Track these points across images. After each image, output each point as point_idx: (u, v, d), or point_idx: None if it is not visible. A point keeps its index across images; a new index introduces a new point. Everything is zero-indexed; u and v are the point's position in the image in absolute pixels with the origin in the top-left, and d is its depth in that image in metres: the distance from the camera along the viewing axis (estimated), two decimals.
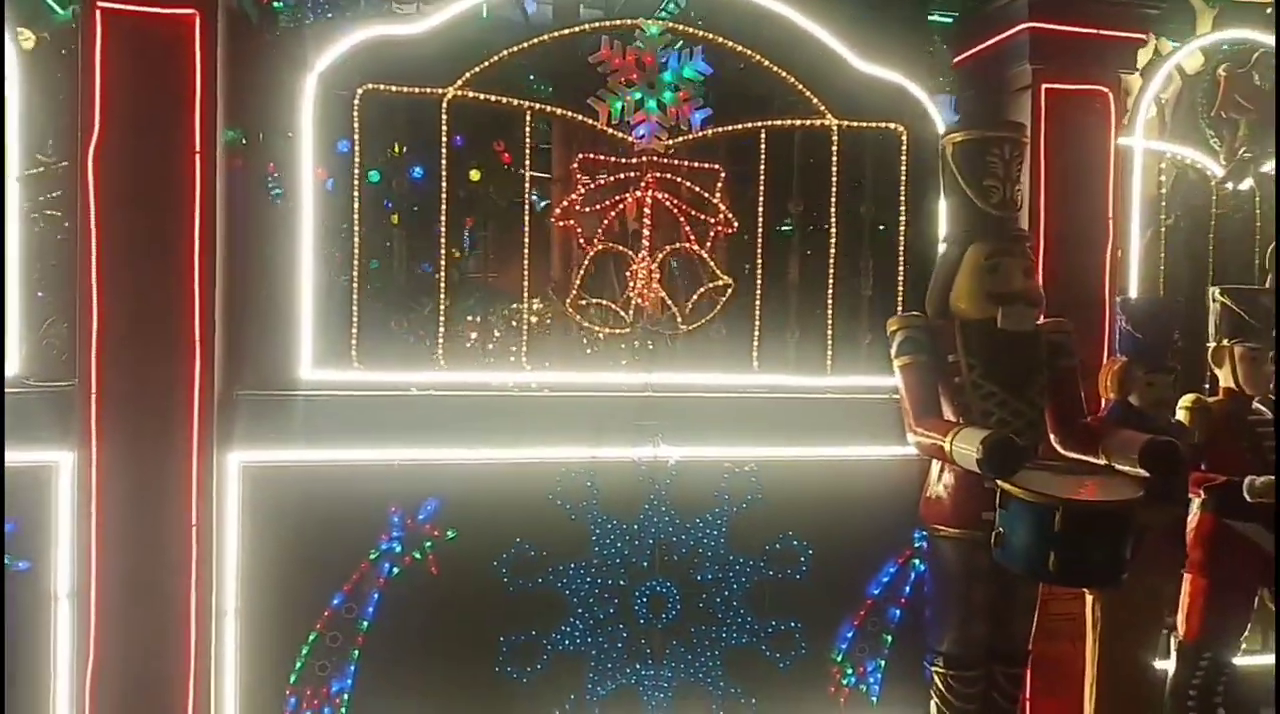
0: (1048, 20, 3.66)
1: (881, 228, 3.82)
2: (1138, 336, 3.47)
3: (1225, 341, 3.71)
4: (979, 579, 3.20)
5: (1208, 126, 4.03)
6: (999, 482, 2.96)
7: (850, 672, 3.61)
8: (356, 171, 3.34)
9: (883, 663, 3.62)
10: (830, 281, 3.72)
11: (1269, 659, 4.12)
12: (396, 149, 3.52)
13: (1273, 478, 3.57)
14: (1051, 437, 3.42)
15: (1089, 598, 3.55)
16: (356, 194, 3.33)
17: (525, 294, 3.49)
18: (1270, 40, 4.05)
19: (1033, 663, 3.67)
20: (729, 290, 3.62)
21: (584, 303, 3.53)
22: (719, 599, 3.48)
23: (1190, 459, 3.47)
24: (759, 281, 3.67)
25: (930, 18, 3.96)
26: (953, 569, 3.27)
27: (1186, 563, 3.64)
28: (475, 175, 3.59)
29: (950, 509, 3.24)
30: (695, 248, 3.60)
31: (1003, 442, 2.92)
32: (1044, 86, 3.69)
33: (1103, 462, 3.19)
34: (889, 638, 3.62)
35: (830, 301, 3.72)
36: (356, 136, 3.30)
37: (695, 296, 3.61)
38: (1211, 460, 3.70)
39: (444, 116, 3.38)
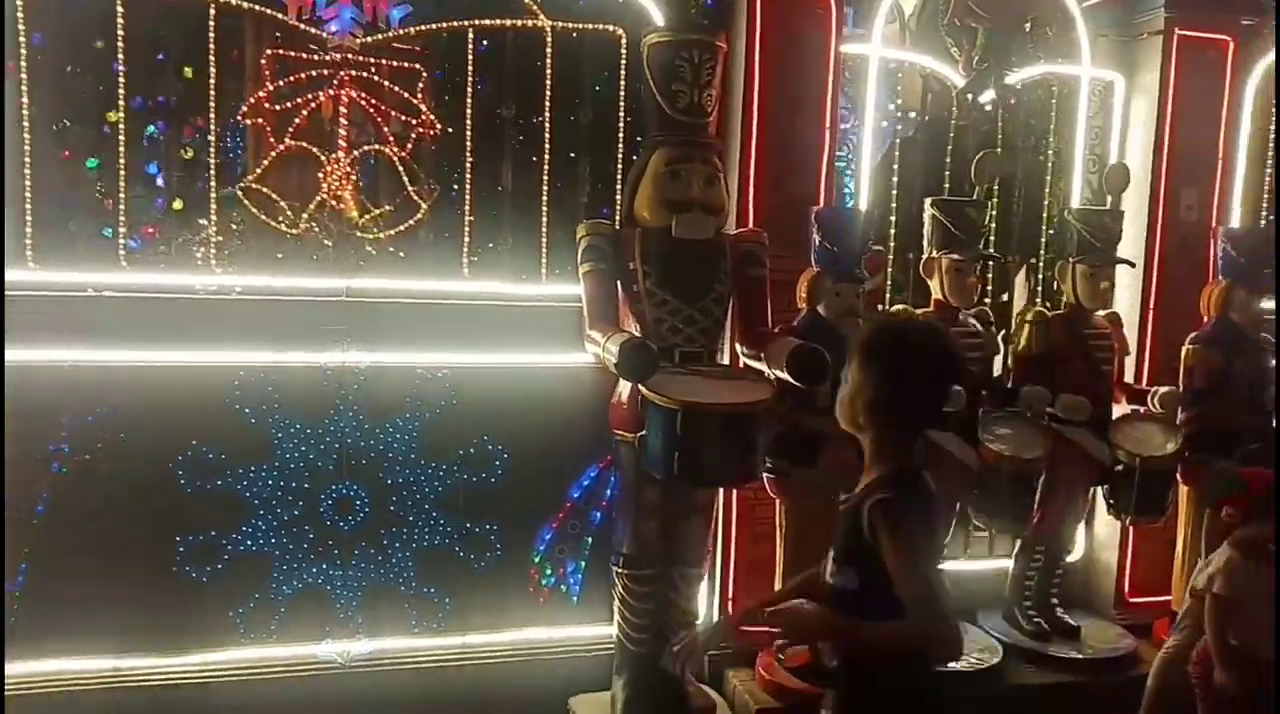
0: None
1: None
2: (828, 247, 3.48)
3: (935, 253, 3.75)
4: (649, 482, 3.25)
5: (947, 35, 3.97)
6: (640, 386, 2.99)
7: (550, 572, 3.69)
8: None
9: (583, 564, 3.70)
10: (545, 188, 3.68)
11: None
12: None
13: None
14: (736, 344, 3.46)
15: (778, 504, 3.63)
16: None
17: (213, 195, 3.41)
18: None
19: (738, 565, 3.81)
20: (434, 194, 3.57)
21: (272, 202, 3.46)
22: (410, 502, 3.52)
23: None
24: (468, 186, 3.62)
25: None
26: (628, 473, 3.33)
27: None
28: (189, 73, 3.48)
29: (626, 414, 3.26)
30: (395, 150, 3.52)
31: (633, 346, 2.94)
32: None
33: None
34: (590, 540, 3.69)
35: (545, 208, 3.68)
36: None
37: (398, 200, 3.56)
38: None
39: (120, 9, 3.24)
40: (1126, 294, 4.27)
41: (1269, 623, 3.05)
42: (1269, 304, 3.94)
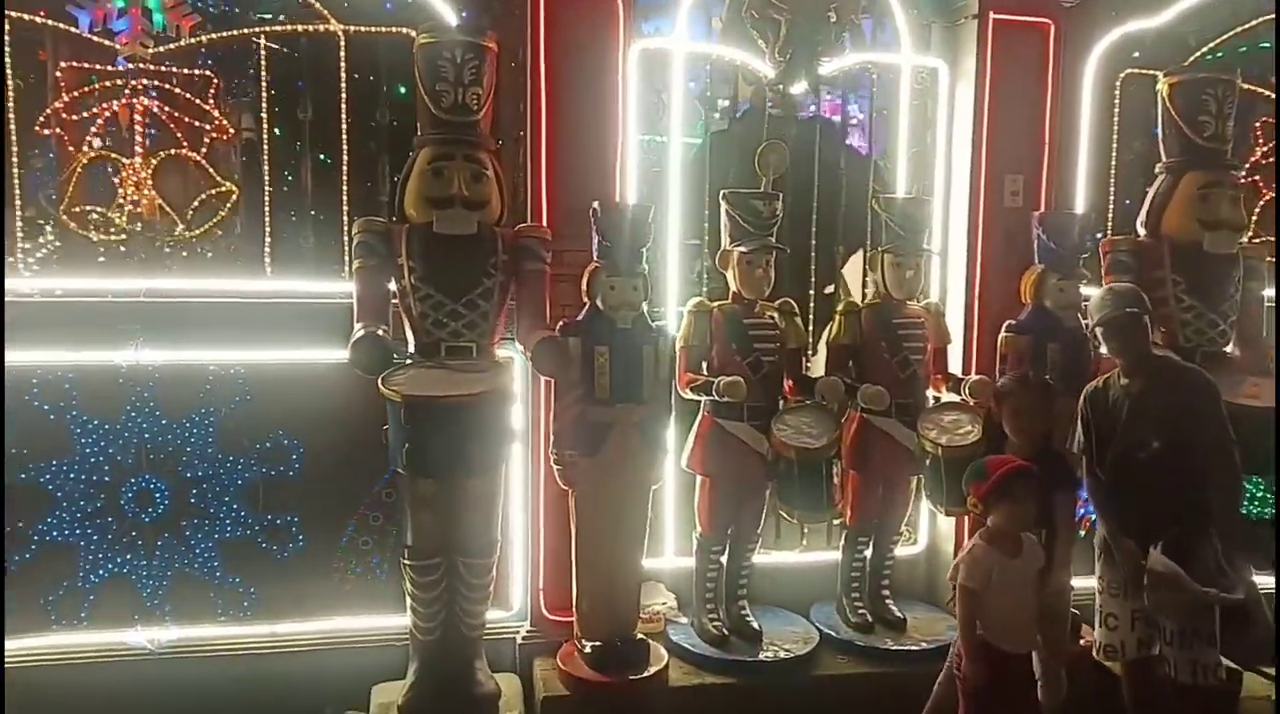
0: None
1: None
2: (606, 243, 3.53)
3: (727, 245, 3.77)
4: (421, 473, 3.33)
5: (751, 28, 3.98)
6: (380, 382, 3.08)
7: (355, 563, 3.79)
8: None
9: (387, 555, 3.79)
10: (344, 187, 3.78)
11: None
12: None
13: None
14: (517, 341, 3.53)
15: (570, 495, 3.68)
16: None
17: (18, 203, 3.58)
18: None
19: (547, 555, 3.87)
20: (234, 196, 3.71)
21: (77, 210, 3.62)
22: (211, 495, 3.65)
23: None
24: (267, 188, 3.74)
25: None
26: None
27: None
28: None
29: None
30: (191, 154, 3.66)
31: (360, 341, 3.03)
32: None
33: None
34: (396, 531, 3.78)
35: (345, 208, 3.79)
36: None
37: (196, 203, 3.70)
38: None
39: None
40: (955, 282, 4.25)
41: (1012, 613, 3.03)
42: (1087, 290, 3.89)
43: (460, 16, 3.79)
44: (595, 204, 3.54)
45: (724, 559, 3.94)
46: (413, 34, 3.69)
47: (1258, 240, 4.57)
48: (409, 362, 3.28)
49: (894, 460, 3.91)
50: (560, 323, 3.56)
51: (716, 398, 3.59)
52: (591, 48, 3.72)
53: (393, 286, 3.39)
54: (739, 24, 4.00)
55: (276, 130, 3.75)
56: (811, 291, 4.29)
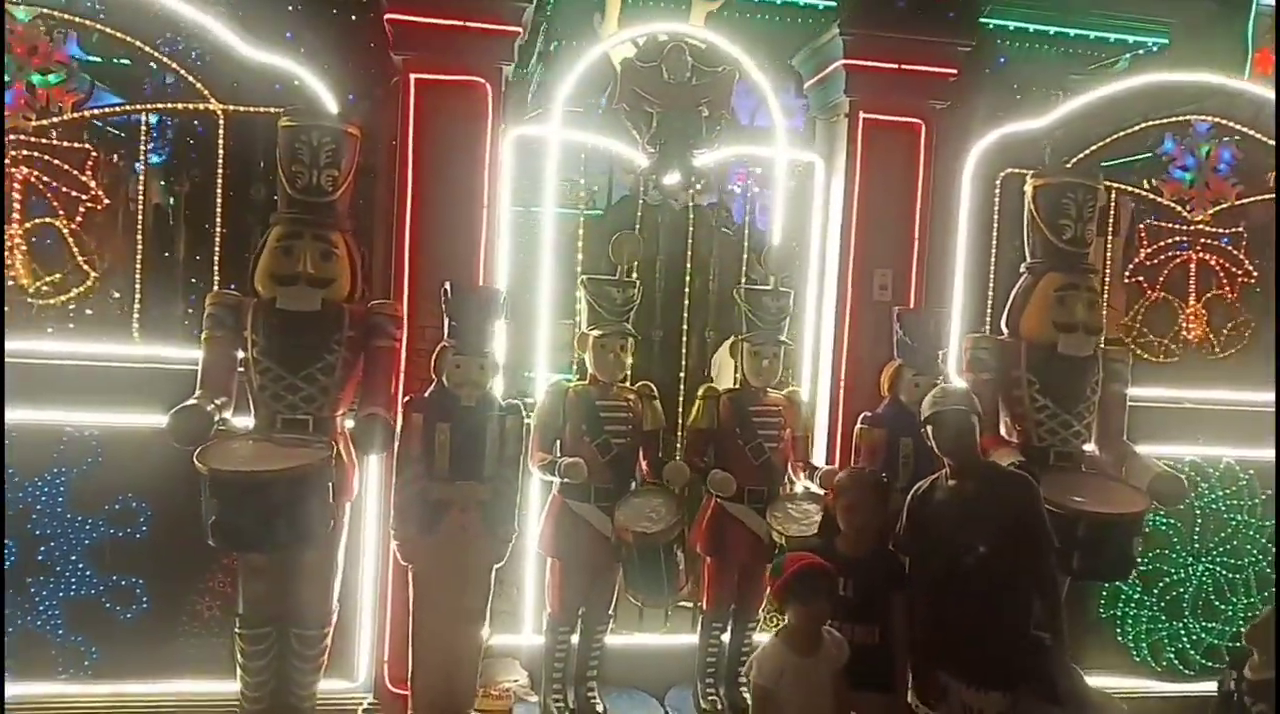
0: (408, 12, 3.77)
1: None
2: (454, 322, 3.60)
3: (584, 328, 3.84)
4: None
5: (626, 118, 4.10)
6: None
7: (198, 627, 3.82)
8: None
9: (230, 620, 3.81)
10: (216, 258, 3.90)
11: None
12: None
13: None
14: None
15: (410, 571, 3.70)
16: None
17: None
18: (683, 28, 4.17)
19: (393, 630, 3.88)
20: (105, 263, 3.83)
21: None
22: (58, 554, 3.71)
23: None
24: (139, 256, 3.87)
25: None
26: None
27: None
28: None
29: None
30: (65, 222, 3.80)
31: (177, 412, 3.11)
32: (412, 77, 3.82)
33: None
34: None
35: (217, 274, 3.90)
36: None
37: (68, 268, 3.82)
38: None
39: None
40: (825, 372, 4.29)
41: (807, 712, 3.00)
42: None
43: (346, 101, 3.94)
44: (445, 285, 3.63)
45: (574, 639, 3.93)
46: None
47: (1143, 341, 4.60)
48: (240, 433, 3.35)
49: (747, 547, 3.90)
50: (407, 399, 3.62)
51: (559, 479, 3.63)
52: (461, 134, 3.85)
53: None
54: (614, 115, 4.11)
55: (156, 202, 3.89)
56: (682, 375, 4.33)
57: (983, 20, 6.67)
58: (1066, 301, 3.84)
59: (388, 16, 3.77)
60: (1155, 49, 8.78)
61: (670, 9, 4.57)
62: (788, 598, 2.98)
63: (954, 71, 4.13)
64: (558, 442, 3.80)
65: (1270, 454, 4.44)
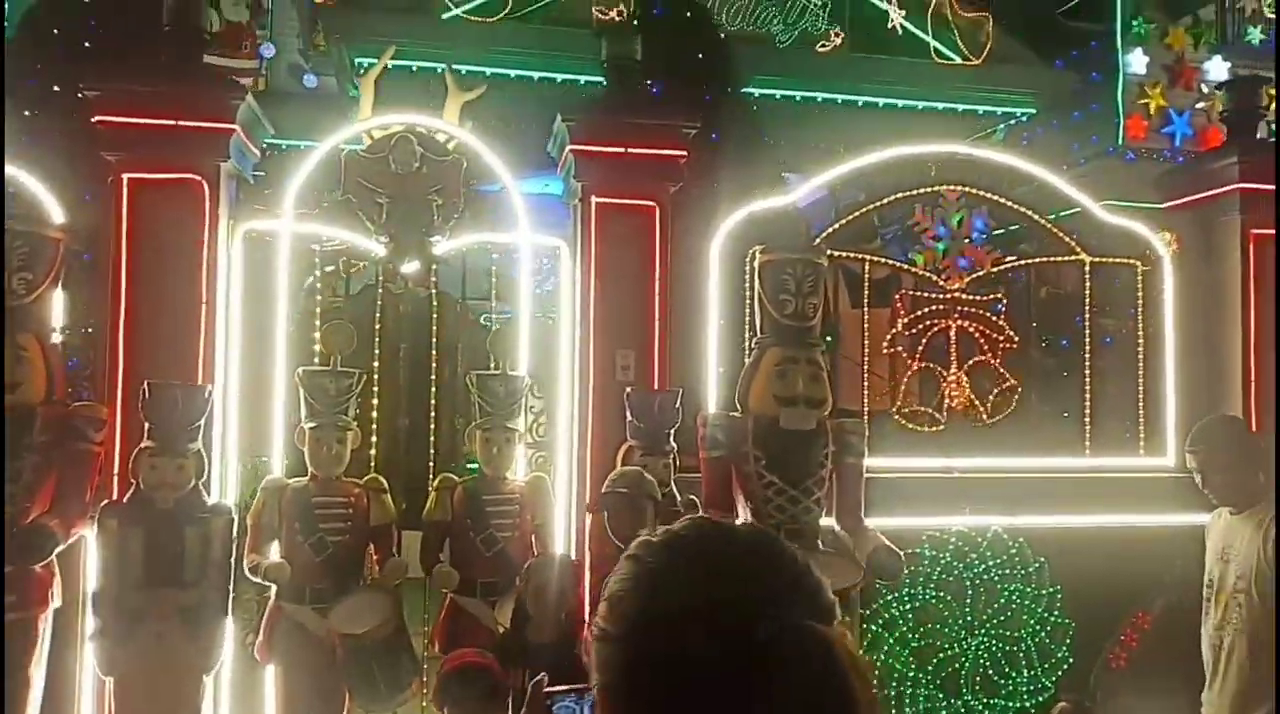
0: (117, 113, 3.79)
1: None
2: (151, 423, 3.53)
3: (303, 423, 3.79)
4: None
5: (357, 209, 4.12)
6: None
7: None
8: None
9: None
10: None
11: None
12: None
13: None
14: None
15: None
16: None
17: None
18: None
19: None
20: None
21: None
22: None
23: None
24: None
25: None
26: None
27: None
28: None
29: None
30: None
31: None
32: (125, 177, 3.83)
33: None
34: None
35: None
36: None
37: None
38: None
39: None
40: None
41: None
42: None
43: (81, 202, 3.94)
44: (145, 385, 3.58)
45: None
46: None
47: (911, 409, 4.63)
48: None
49: (481, 642, 3.80)
50: (103, 504, 3.53)
51: (266, 581, 3.54)
52: (177, 232, 3.85)
53: None
54: (345, 206, 4.13)
55: None
56: (431, 464, 4.27)
57: (747, 91, 6.86)
58: (787, 375, 3.85)
59: (95, 118, 3.79)
60: (1024, 118, 9.15)
61: (427, 99, 4.63)
62: (441, 698, 2.89)
63: (683, 153, 4.21)
64: (275, 541, 3.71)
65: (1040, 520, 4.48)
